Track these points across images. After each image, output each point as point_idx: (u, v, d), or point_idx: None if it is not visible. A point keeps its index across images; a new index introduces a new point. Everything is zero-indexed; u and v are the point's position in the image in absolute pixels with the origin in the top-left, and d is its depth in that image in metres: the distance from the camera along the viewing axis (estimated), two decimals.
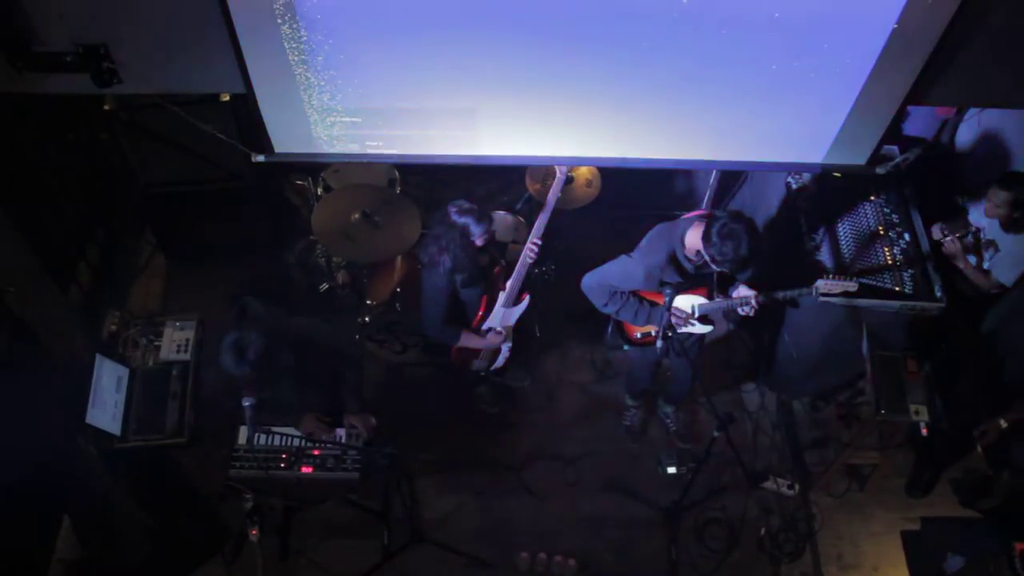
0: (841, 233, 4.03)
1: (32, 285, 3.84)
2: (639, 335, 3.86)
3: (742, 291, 3.61)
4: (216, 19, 2.61)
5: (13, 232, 3.72)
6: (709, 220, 3.27)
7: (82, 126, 4.78)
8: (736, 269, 3.33)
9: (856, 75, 2.87)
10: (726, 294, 3.68)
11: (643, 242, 3.60)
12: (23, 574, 3.79)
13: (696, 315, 3.68)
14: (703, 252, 3.28)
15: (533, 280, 4.45)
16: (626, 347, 3.95)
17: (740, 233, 3.15)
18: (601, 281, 3.58)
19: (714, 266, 3.32)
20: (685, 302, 3.64)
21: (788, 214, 4.31)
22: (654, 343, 3.76)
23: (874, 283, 3.82)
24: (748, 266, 3.30)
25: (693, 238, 3.34)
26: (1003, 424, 3.62)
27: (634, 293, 3.59)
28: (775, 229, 4.48)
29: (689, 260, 3.43)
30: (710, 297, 3.67)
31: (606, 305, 3.61)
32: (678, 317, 3.64)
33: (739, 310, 3.59)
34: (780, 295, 3.56)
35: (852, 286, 3.44)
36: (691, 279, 3.53)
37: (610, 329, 3.95)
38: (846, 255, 3.97)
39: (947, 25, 2.62)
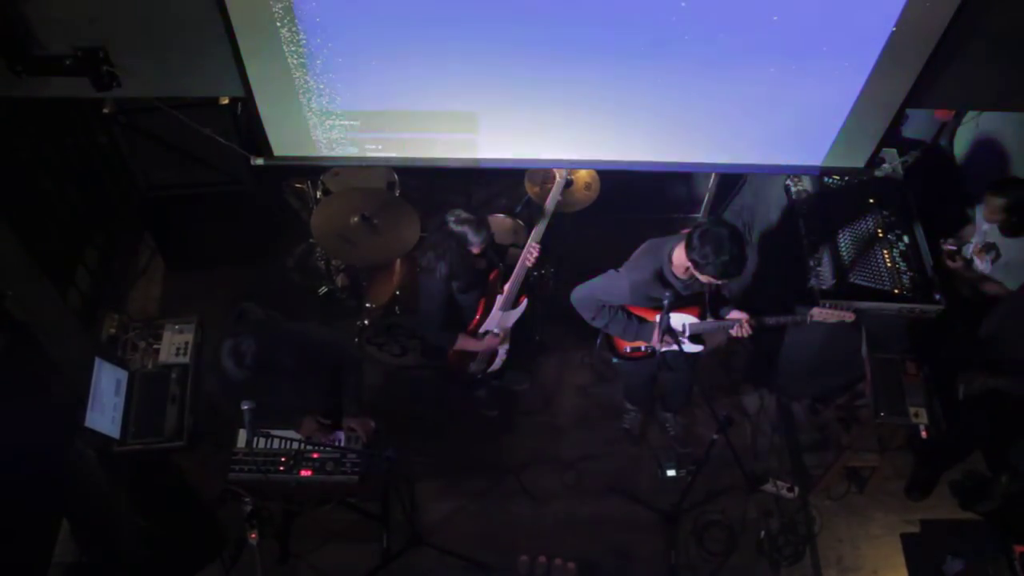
0: (840, 236, 4.04)
1: (31, 288, 3.84)
2: (628, 349, 3.83)
3: (734, 313, 3.58)
4: (215, 22, 2.61)
5: (12, 235, 3.71)
6: (692, 227, 3.25)
7: (81, 130, 4.78)
8: (719, 273, 3.20)
9: (854, 78, 2.87)
10: (718, 315, 3.63)
11: (632, 257, 3.59)
12: None
13: (687, 334, 3.64)
14: (686, 259, 3.23)
15: (532, 283, 4.45)
16: (615, 360, 3.94)
17: (722, 236, 3.13)
18: (589, 294, 3.57)
19: (697, 273, 3.24)
20: (676, 320, 3.57)
21: (787, 217, 4.31)
22: (643, 357, 3.75)
23: (873, 285, 3.83)
24: (730, 270, 3.19)
25: (680, 255, 3.29)
26: (988, 381, 3.58)
27: (623, 308, 3.57)
28: (774, 232, 4.48)
29: (677, 278, 3.39)
30: (702, 318, 3.62)
31: (594, 319, 3.60)
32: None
33: (731, 332, 3.55)
34: (772, 321, 3.53)
35: (849, 316, 3.41)
36: (681, 298, 3.48)
37: (599, 341, 3.91)
38: (845, 258, 3.97)
39: (945, 28, 2.62)
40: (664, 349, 3.49)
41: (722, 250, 3.12)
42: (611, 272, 3.54)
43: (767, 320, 3.52)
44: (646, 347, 3.71)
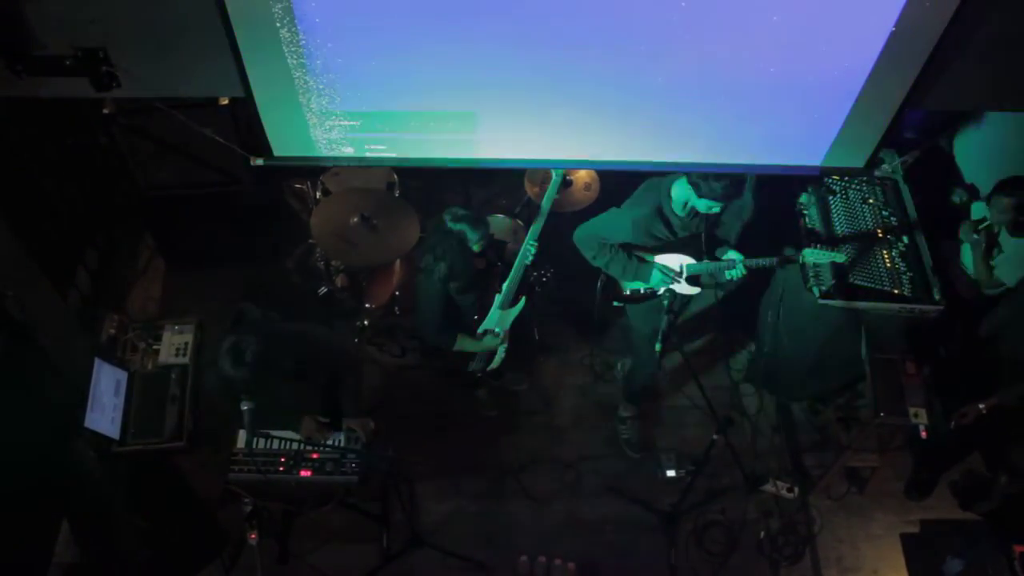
0: (840, 237, 4.03)
1: (31, 289, 3.84)
2: (628, 291, 3.91)
3: (730, 254, 3.69)
4: (215, 23, 2.61)
5: (12, 236, 3.71)
6: None
7: (81, 130, 4.78)
8: (719, 192, 3.35)
9: (854, 78, 2.87)
10: (714, 256, 3.75)
11: (632, 195, 3.72)
12: None
13: (684, 275, 3.73)
14: (689, 190, 3.39)
15: (531, 283, 4.45)
16: (616, 303, 3.99)
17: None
18: (591, 233, 3.69)
19: (697, 198, 3.38)
20: (673, 261, 3.70)
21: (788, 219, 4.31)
22: (644, 299, 3.85)
23: (873, 285, 3.83)
24: (729, 192, 3.36)
25: (679, 190, 3.47)
26: (982, 408, 3.65)
27: (624, 247, 3.66)
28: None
29: (676, 214, 3.53)
30: (699, 259, 3.73)
31: (596, 257, 3.71)
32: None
33: (726, 273, 3.65)
34: (767, 261, 3.65)
35: (840, 257, 3.57)
36: (679, 238, 3.62)
37: (600, 284, 3.99)
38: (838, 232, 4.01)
39: (945, 28, 2.62)
40: (662, 290, 3.62)
41: (721, 175, 3.29)
42: (612, 210, 3.70)
43: (763, 261, 3.65)
44: (645, 289, 3.81)
